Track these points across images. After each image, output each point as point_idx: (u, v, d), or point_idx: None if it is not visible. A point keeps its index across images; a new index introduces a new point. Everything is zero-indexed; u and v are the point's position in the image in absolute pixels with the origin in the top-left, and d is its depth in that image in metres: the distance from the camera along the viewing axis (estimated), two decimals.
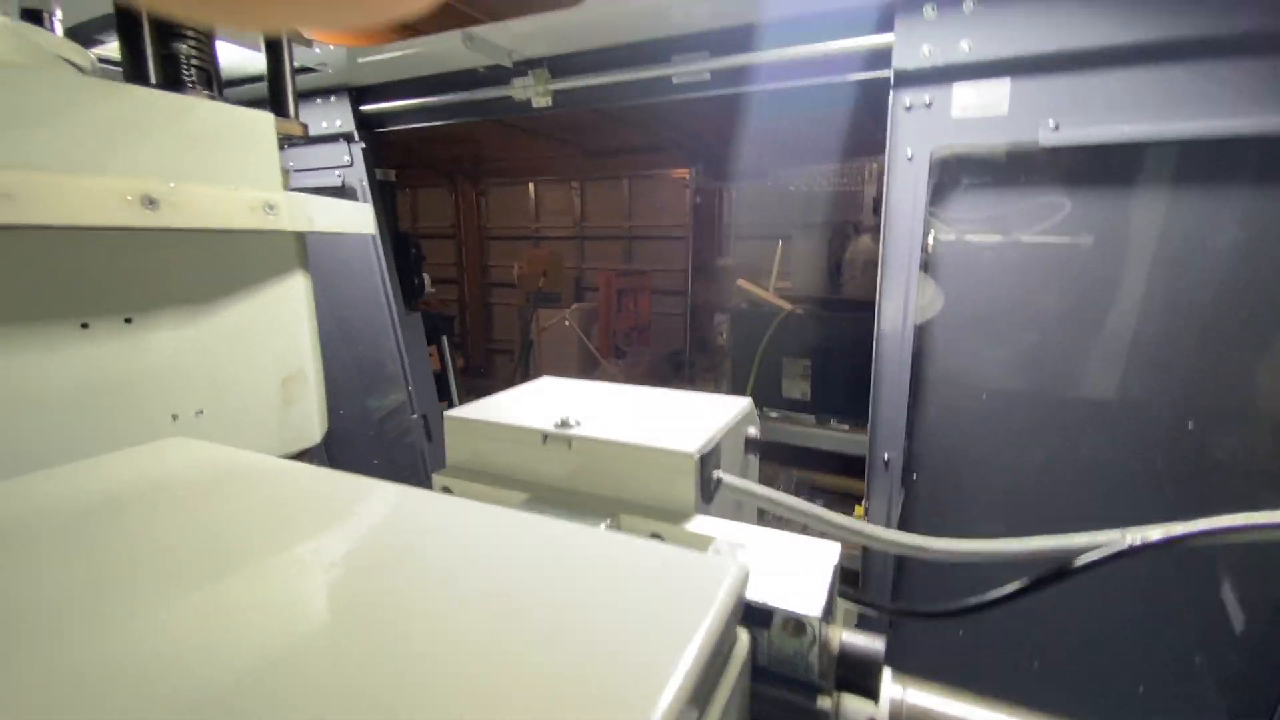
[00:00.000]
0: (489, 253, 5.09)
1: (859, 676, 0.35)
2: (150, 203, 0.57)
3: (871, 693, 0.35)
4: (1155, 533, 0.49)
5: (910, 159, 1.15)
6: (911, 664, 0.41)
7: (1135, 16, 1.01)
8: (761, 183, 3.62)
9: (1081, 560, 0.49)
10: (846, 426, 2.20)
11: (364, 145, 1.57)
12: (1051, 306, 1.23)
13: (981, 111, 1.08)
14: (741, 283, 2.68)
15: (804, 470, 2.41)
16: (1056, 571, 0.50)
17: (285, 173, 0.77)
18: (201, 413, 0.71)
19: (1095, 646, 1.29)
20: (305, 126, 0.84)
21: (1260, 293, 1.07)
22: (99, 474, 0.47)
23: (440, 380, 2.32)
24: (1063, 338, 1.23)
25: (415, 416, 1.86)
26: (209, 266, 0.70)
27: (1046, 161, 1.16)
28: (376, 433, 2.03)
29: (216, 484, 0.45)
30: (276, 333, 0.77)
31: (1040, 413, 1.24)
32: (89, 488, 0.44)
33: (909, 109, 1.15)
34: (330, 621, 0.30)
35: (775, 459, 2.37)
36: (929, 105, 1.13)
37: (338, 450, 2.13)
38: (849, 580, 0.58)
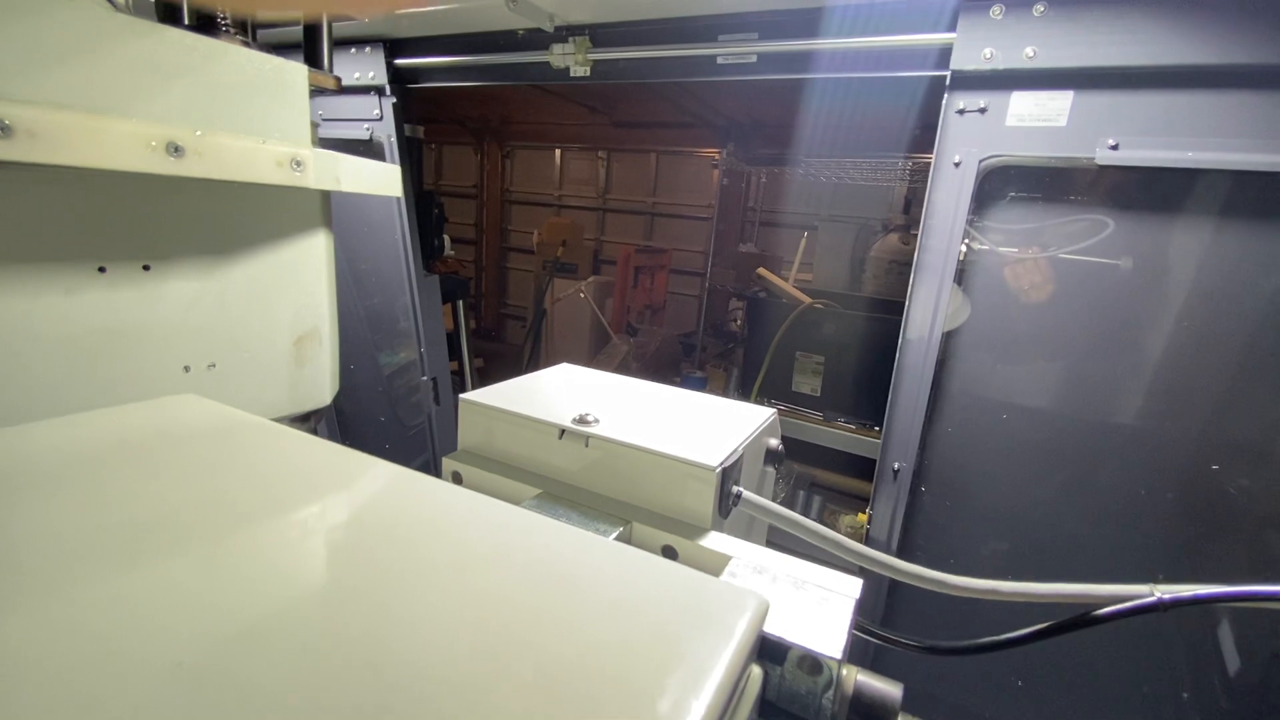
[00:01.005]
0: (510, 216, 5.04)
1: None
2: (175, 150, 0.55)
3: None
4: (1185, 591, 0.47)
5: (957, 164, 1.11)
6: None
7: (1209, 38, 0.96)
8: (792, 170, 3.54)
9: (1106, 610, 0.47)
10: (853, 427, 2.18)
11: (395, 100, 1.54)
12: (1082, 329, 1.20)
13: (1039, 122, 1.04)
14: (761, 271, 2.64)
15: (806, 466, 2.40)
16: (1080, 619, 0.48)
17: (314, 126, 0.75)
18: (214, 366, 0.70)
19: (1083, 674, 1.28)
20: (338, 79, 0.81)
21: None
22: (106, 426, 0.46)
23: (452, 340, 2.32)
24: (1091, 362, 1.19)
25: (425, 379, 1.86)
26: (230, 219, 0.69)
27: (1096, 180, 1.11)
28: (385, 389, 2.03)
29: (221, 445, 0.44)
30: (294, 291, 0.76)
31: (1060, 438, 1.21)
32: (94, 439, 0.43)
33: (962, 113, 1.10)
34: (315, 614, 0.29)
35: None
36: (983, 111, 1.08)
37: (345, 403, 2.14)
38: None
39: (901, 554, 1.32)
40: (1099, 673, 1.28)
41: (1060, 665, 1.30)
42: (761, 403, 2.33)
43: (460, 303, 2.20)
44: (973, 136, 1.09)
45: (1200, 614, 1.22)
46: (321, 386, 0.83)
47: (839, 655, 0.32)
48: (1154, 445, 1.15)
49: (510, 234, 5.09)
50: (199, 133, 0.57)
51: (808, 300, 2.30)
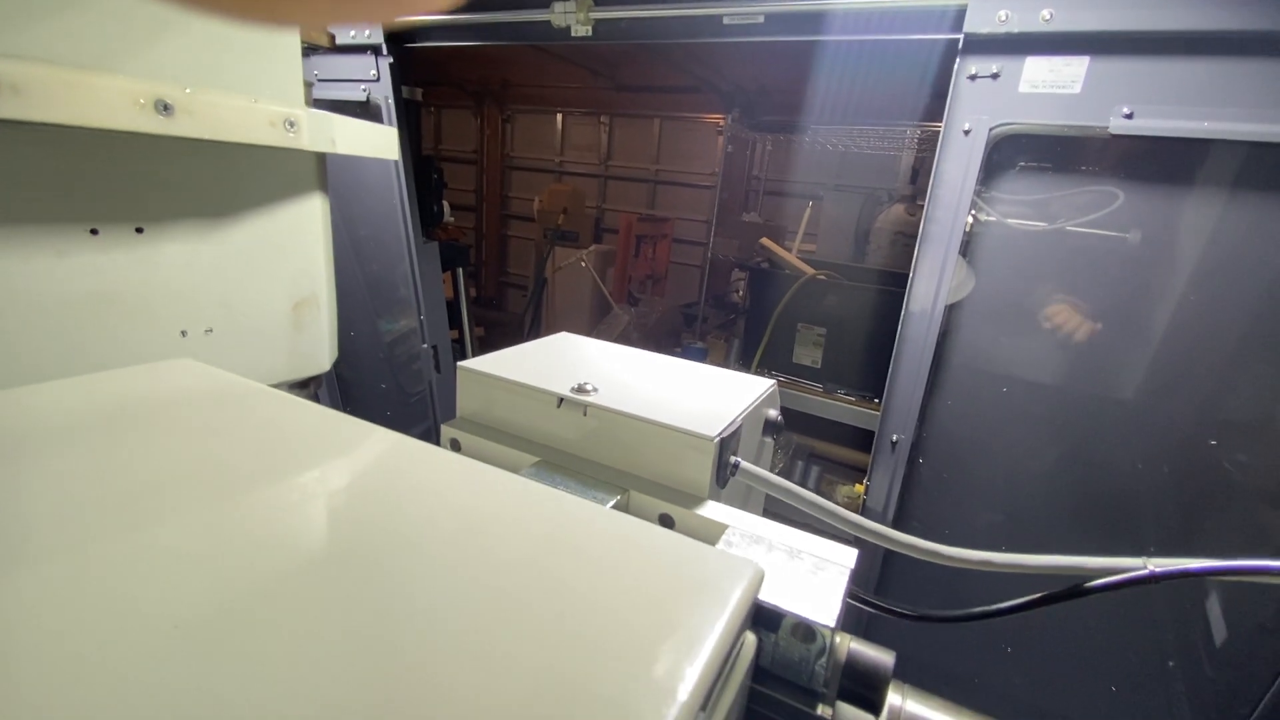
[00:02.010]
0: (510, 183, 4.96)
1: (863, 689, 0.34)
2: (164, 108, 0.53)
3: (875, 708, 0.35)
4: (1175, 564, 0.47)
5: (967, 132, 1.09)
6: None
7: (1230, 3, 0.92)
8: (798, 137, 3.47)
9: (1098, 582, 0.48)
10: (853, 399, 2.18)
11: (392, 60, 1.50)
12: (1087, 302, 1.18)
13: (1053, 89, 1.01)
14: (765, 242, 2.61)
15: (805, 437, 2.41)
16: (1072, 589, 0.48)
17: (308, 86, 0.73)
18: (211, 331, 0.70)
19: (1071, 642, 1.31)
20: (332, 36, 0.78)
21: None
22: (99, 390, 0.45)
23: (452, 309, 2.31)
24: (1095, 337, 1.19)
25: (425, 346, 1.86)
26: (224, 181, 0.67)
27: (1107, 150, 1.09)
28: (386, 356, 2.03)
29: (217, 410, 0.44)
30: (290, 255, 0.75)
31: (1060, 412, 1.21)
32: (88, 403, 0.43)
33: (974, 78, 1.07)
34: (314, 584, 0.29)
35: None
36: (996, 76, 1.05)
37: (347, 370, 2.14)
38: None
39: (898, 525, 1.33)
40: (1087, 642, 1.30)
41: (1049, 635, 1.32)
42: (762, 374, 2.32)
43: (460, 270, 2.18)
44: (984, 103, 1.06)
45: (1188, 586, 1.24)
46: (320, 353, 0.82)
47: (832, 623, 0.32)
48: (1153, 420, 1.15)
49: (511, 201, 5.03)
50: (189, 90, 0.55)
51: (811, 271, 2.29)
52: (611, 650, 0.26)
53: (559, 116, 4.66)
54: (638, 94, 4.03)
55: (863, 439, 2.05)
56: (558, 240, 4.04)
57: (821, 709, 0.33)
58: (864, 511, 1.33)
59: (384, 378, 2.06)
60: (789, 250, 2.62)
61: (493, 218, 4.98)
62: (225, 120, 0.58)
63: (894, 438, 1.27)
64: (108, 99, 0.50)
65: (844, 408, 2.19)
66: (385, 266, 1.86)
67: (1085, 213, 1.16)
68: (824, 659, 0.32)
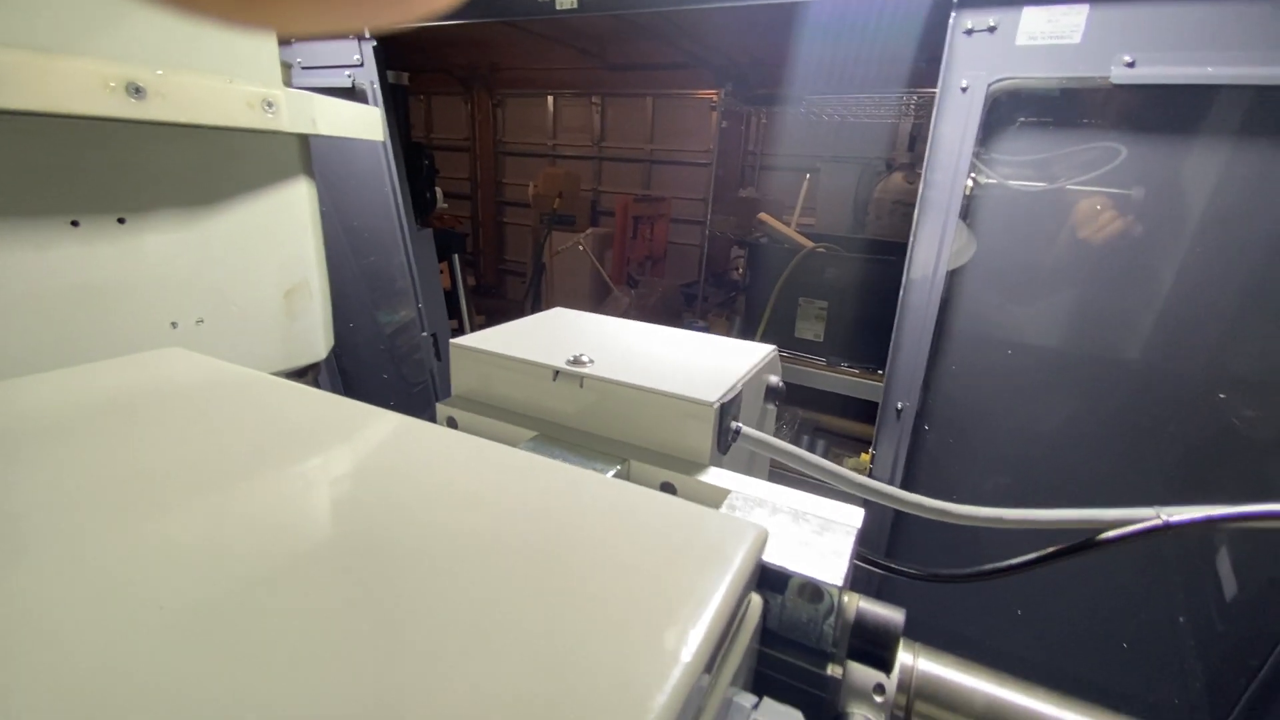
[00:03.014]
0: (504, 169, 4.92)
1: (873, 647, 0.34)
2: (136, 91, 0.52)
3: (886, 665, 0.34)
4: (1190, 513, 0.47)
5: (964, 89, 1.06)
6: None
7: None
8: (793, 110, 3.42)
9: (1111, 534, 0.47)
10: (857, 371, 2.17)
11: (375, 43, 1.47)
12: (1091, 262, 1.16)
13: (1052, 40, 0.98)
14: (763, 216, 2.58)
15: (810, 411, 2.41)
16: (1085, 543, 0.48)
17: (286, 68, 0.71)
18: (202, 321, 0.69)
19: (1081, 594, 1.31)
20: None
21: None
22: (90, 380, 0.45)
23: (450, 298, 2.29)
24: (1099, 296, 1.17)
25: (425, 334, 1.85)
26: (205, 167, 0.66)
27: (1109, 103, 1.06)
28: (387, 347, 2.02)
29: (210, 398, 0.43)
30: (279, 242, 0.74)
31: (1066, 374, 1.20)
32: (78, 394, 0.42)
33: (969, 33, 1.04)
34: (316, 557, 0.28)
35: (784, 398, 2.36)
36: (993, 29, 1.02)
37: (348, 362, 2.14)
38: None
39: (905, 486, 1.32)
40: (1097, 602, 1.30)
41: (1060, 596, 1.32)
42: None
43: (455, 257, 2.16)
44: (981, 58, 1.04)
45: (1197, 543, 1.24)
46: (315, 340, 0.81)
47: (840, 582, 0.31)
48: (1160, 377, 1.14)
49: (505, 187, 4.98)
50: (160, 72, 0.53)
51: (810, 245, 2.26)
52: (613, 616, 0.26)
53: (550, 99, 4.60)
54: (629, 72, 3.97)
55: (868, 411, 2.04)
56: (554, 225, 4.01)
57: (831, 668, 0.32)
58: (871, 474, 1.32)
59: (386, 368, 2.06)
60: (787, 224, 2.60)
61: (488, 205, 4.94)
62: (200, 102, 0.56)
63: (899, 405, 1.26)
64: (76, 83, 0.49)
65: (848, 380, 2.18)
66: (382, 258, 1.84)
67: (1087, 170, 1.13)
68: (832, 618, 0.32)
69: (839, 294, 2.17)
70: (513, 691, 0.22)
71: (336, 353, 1.97)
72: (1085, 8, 0.96)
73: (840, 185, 3.33)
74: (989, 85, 1.04)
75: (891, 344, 1.26)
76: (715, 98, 3.79)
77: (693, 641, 0.24)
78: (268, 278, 0.74)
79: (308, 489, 0.33)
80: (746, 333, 2.43)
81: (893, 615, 0.34)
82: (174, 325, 0.67)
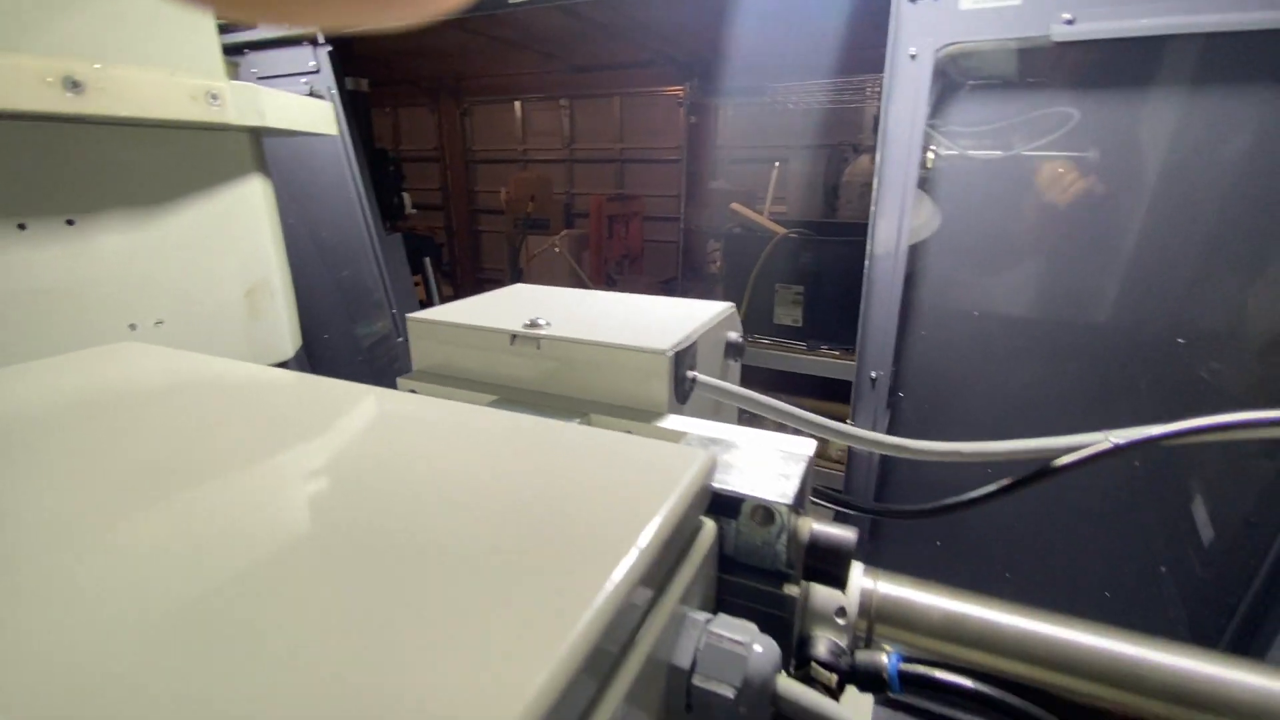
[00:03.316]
0: (475, 177, 4.90)
1: (828, 565, 0.34)
2: (73, 85, 0.51)
3: (840, 582, 0.35)
4: (1135, 434, 0.48)
5: (914, 57, 1.08)
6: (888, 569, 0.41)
7: None
8: (759, 100, 3.45)
9: (1063, 460, 0.48)
10: (837, 353, 2.19)
11: (330, 48, 1.46)
12: (1051, 225, 1.19)
13: (994, 2, 1.00)
14: (735, 207, 2.60)
15: (794, 396, 2.42)
16: (1037, 472, 0.49)
17: (233, 66, 0.71)
18: (162, 323, 0.68)
19: (1065, 554, 1.33)
20: None
21: (1260, 209, 1.03)
22: (35, 378, 0.44)
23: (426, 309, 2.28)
24: (1061, 258, 1.19)
25: (401, 340, 1.84)
26: (155, 166, 0.65)
27: (1060, 65, 1.09)
28: (365, 359, 2.01)
29: (169, 388, 0.43)
30: (236, 240, 0.73)
31: (1031, 332, 1.22)
32: (23, 392, 0.41)
33: (914, 0, 1.06)
34: (301, 509, 0.28)
35: (765, 384, 2.37)
36: None
37: (323, 373, 2.12)
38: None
39: (883, 466, 1.34)
40: (1080, 557, 1.33)
41: (1046, 556, 1.35)
42: (745, 338, 2.34)
43: (429, 262, 2.15)
44: (927, 25, 1.06)
45: (1175, 491, 1.26)
46: (281, 338, 0.81)
47: (789, 500, 0.32)
48: (1122, 327, 1.16)
49: (478, 195, 4.97)
50: (98, 66, 0.53)
51: (782, 231, 2.28)
52: (555, 537, 0.26)
53: (517, 104, 4.60)
54: (595, 74, 3.99)
55: (850, 390, 2.07)
56: (529, 229, 4.01)
57: (788, 588, 0.33)
58: (850, 452, 1.34)
59: (366, 381, 2.04)
60: (760, 213, 2.61)
61: (461, 214, 4.92)
62: (142, 95, 0.56)
63: (873, 375, 1.28)
64: (12, 78, 0.48)
65: (829, 362, 2.20)
66: (354, 270, 1.83)
67: (1042, 135, 1.16)
68: (784, 538, 0.32)
69: (814, 278, 2.19)
70: (453, 605, 0.22)
71: (312, 365, 1.95)
72: None
73: (809, 172, 3.37)
74: (936, 51, 1.06)
75: (860, 317, 1.27)
76: (682, 94, 3.81)
77: (627, 557, 0.25)
78: (227, 277, 0.73)
79: (278, 470, 0.33)
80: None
81: (845, 534, 0.34)
82: (132, 327, 0.66)
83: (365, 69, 1.73)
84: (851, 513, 0.49)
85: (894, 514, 0.44)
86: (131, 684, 0.19)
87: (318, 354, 1.99)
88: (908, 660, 0.35)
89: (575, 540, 0.26)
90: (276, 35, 1.44)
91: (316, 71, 1.49)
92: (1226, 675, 0.30)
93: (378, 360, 2.01)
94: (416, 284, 2.24)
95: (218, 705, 0.18)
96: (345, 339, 1.97)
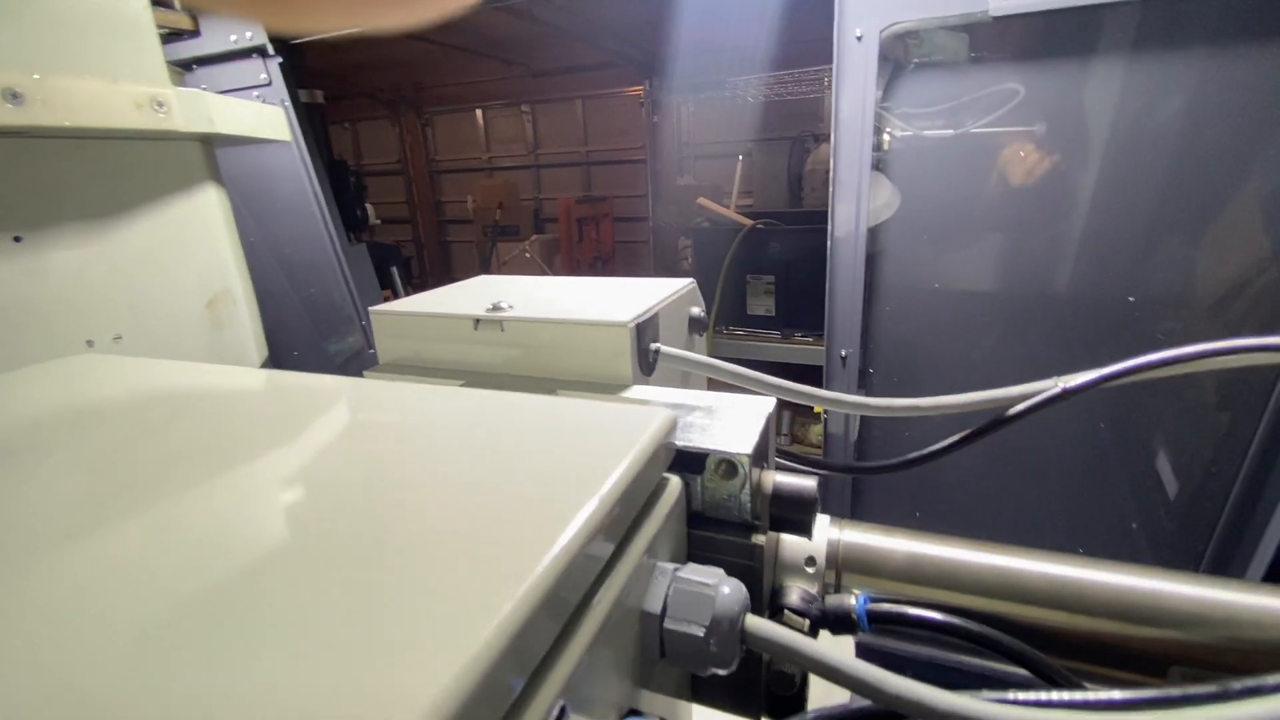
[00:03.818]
0: (441, 188, 4.87)
1: (793, 513, 0.35)
2: (13, 97, 0.51)
3: (807, 530, 0.36)
4: (1085, 377, 0.50)
5: (860, 39, 1.11)
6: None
7: None
8: (719, 95, 3.48)
9: (1018, 408, 0.50)
10: (811, 339, 2.22)
11: (280, 59, 1.45)
12: (1004, 198, 1.23)
13: None
14: (702, 201, 2.62)
15: None
16: (994, 421, 0.51)
17: (177, 74, 0.70)
18: (120, 338, 0.67)
19: (1039, 513, 1.37)
20: (195, 18, 0.75)
21: (1205, 170, 1.07)
22: None
23: None
24: (1014, 229, 1.23)
25: (373, 352, 1.82)
26: (105, 178, 0.64)
27: (1004, 42, 1.12)
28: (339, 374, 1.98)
29: (133, 397, 0.42)
30: (194, 250, 0.72)
31: (991, 302, 1.26)
32: None
33: None
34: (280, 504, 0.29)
35: None
36: None
37: None
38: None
39: (860, 436, 1.37)
40: (1055, 519, 1.37)
41: (1021, 517, 1.38)
42: (720, 331, 2.36)
43: (394, 270, 2.14)
44: (871, 5, 1.08)
45: (1141, 447, 1.31)
46: (246, 348, 0.80)
47: (748, 451, 0.33)
48: (1076, 293, 1.20)
49: (445, 206, 4.93)
50: (37, 76, 0.52)
51: (750, 223, 2.30)
52: (520, 494, 0.27)
53: (479, 112, 4.58)
54: (555, 77, 3.99)
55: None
56: (498, 236, 3.99)
57: (755, 538, 0.34)
58: (826, 429, 1.36)
59: None
60: (726, 207, 2.64)
61: (429, 226, 4.89)
62: (85, 105, 0.55)
63: (842, 353, 1.30)
64: None
65: (803, 349, 2.23)
66: (321, 288, 1.80)
67: (990, 112, 1.19)
68: (747, 489, 0.33)
69: (784, 267, 2.22)
70: (417, 557, 0.23)
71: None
72: None
73: (772, 163, 3.41)
74: (881, 31, 1.09)
75: (827, 299, 1.30)
76: (642, 93, 3.83)
77: (584, 508, 0.25)
78: (187, 288, 0.72)
79: (251, 471, 0.33)
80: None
81: (806, 483, 0.36)
82: (90, 344, 0.65)
83: (320, 83, 1.71)
84: (821, 473, 0.51)
85: (861, 470, 0.46)
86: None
87: (290, 370, 1.96)
88: (875, 601, 0.36)
89: (535, 499, 0.26)
90: (225, 49, 1.42)
91: (268, 84, 1.47)
92: (1162, 587, 0.32)
93: (351, 375, 1.99)
94: (386, 296, 2.22)
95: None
96: (316, 356, 1.94)
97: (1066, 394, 0.49)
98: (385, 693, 0.17)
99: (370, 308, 0.53)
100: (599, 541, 0.26)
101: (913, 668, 0.25)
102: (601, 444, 0.30)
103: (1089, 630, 0.33)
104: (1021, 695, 0.24)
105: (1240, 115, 1.01)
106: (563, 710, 0.22)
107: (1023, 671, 0.33)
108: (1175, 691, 0.23)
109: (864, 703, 0.27)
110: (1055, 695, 0.24)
